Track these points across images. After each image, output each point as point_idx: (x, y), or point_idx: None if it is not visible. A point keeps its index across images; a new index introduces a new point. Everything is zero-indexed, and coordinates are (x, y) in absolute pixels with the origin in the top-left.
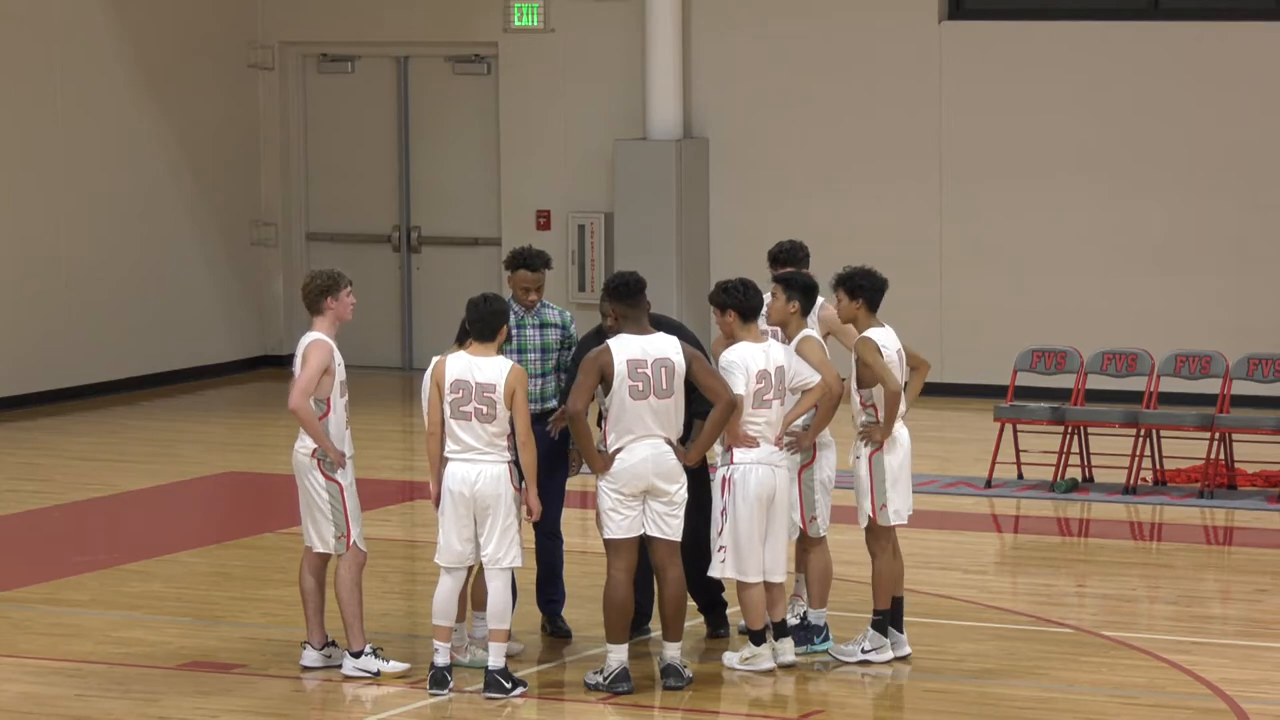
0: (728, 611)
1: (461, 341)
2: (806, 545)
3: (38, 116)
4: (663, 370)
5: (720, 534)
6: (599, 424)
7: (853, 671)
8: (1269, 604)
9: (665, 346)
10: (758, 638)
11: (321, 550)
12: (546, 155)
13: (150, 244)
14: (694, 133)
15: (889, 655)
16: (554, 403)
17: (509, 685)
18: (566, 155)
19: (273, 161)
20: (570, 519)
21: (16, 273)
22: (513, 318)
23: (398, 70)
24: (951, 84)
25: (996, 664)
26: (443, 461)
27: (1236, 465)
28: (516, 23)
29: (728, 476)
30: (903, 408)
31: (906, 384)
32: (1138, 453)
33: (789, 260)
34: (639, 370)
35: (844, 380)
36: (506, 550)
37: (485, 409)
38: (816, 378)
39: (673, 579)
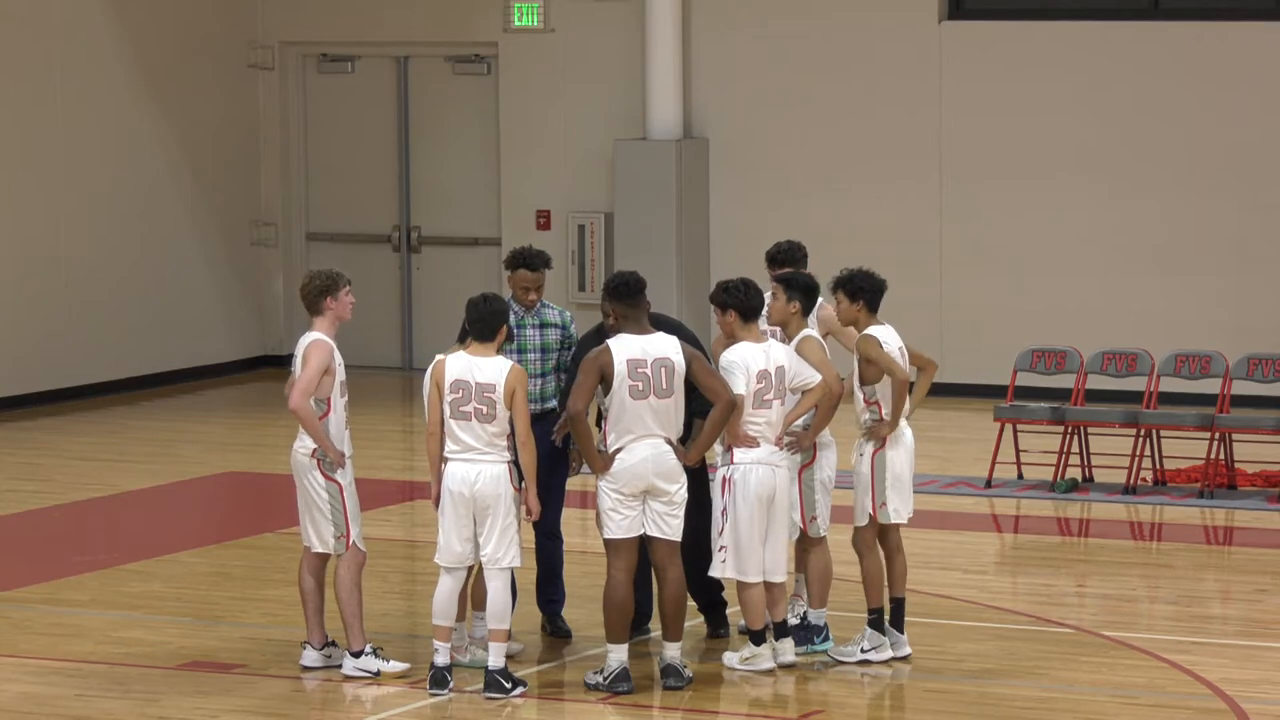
0: (728, 611)
1: (464, 341)
2: (807, 545)
3: (38, 116)
4: (663, 370)
5: (720, 534)
6: (599, 424)
7: (853, 671)
8: (1269, 604)
9: (665, 346)
10: (758, 638)
11: (321, 550)
12: (546, 155)
13: (150, 244)
14: (694, 133)
15: (888, 654)
16: (554, 403)
17: (509, 685)
18: (566, 155)
19: (273, 161)
20: (570, 519)
21: (16, 273)
22: (512, 318)
23: (398, 70)
24: (951, 84)
25: (996, 664)
26: (443, 461)
27: (1236, 465)
28: (516, 23)
29: (728, 476)
30: (907, 408)
31: (913, 385)
32: (1138, 453)
33: (787, 260)
34: (639, 370)
35: (843, 380)
36: (506, 550)
37: (485, 409)
38: (817, 378)
39: (673, 579)
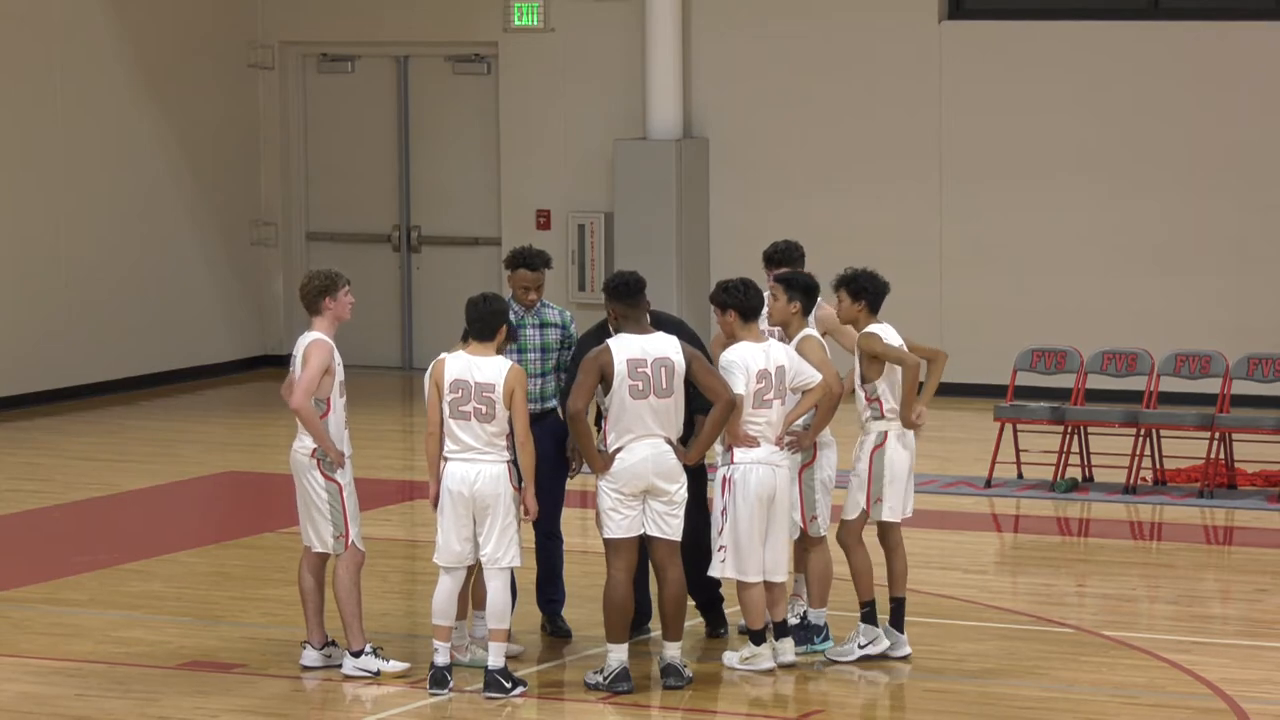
0: (727, 611)
1: (466, 340)
2: (807, 545)
3: (38, 116)
4: (663, 370)
5: (720, 534)
6: (598, 424)
7: (852, 671)
8: (1269, 604)
9: (665, 346)
10: (758, 637)
11: (320, 550)
12: (546, 155)
13: (150, 244)
14: (694, 133)
15: (884, 644)
16: (554, 402)
17: (509, 685)
18: (566, 155)
19: (273, 161)
20: (570, 519)
21: (16, 273)
22: (512, 317)
23: (398, 70)
24: (951, 84)
25: (996, 664)
26: (442, 461)
27: (1236, 465)
28: (516, 23)
29: (728, 476)
30: (922, 407)
31: (922, 384)
32: (1138, 452)
33: (784, 260)
34: (639, 370)
35: (843, 380)
36: (505, 550)
37: (484, 409)
38: (818, 377)
39: (673, 579)
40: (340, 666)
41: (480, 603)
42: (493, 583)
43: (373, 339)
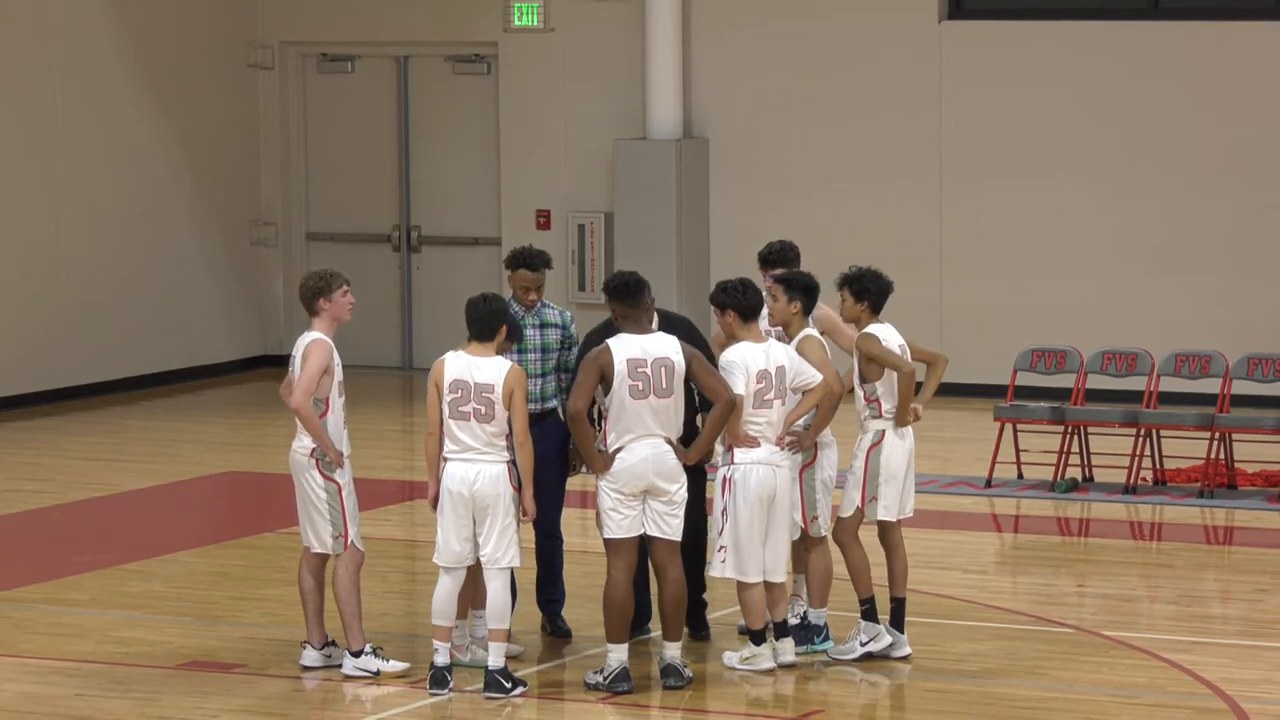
0: (726, 611)
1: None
2: (808, 545)
3: (38, 116)
4: (662, 370)
5: (720, 534)
6: (596, 423)
7: (852, 671)
8: (1269, 604)
9: (665, 346)
10: (758, 637)
11: (319, 550)
12: (546, 155)
13: (150, 244)
14: (694, 133)
15: (886, 640)
16: (554, 403)
17: (509, 685)
18: (566, 155)
19: (273, 161)
20: (570, 519)
21: (16, 273)
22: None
23: (398, 70)
24: (951, 84)
25: (996, 664)
26: (441, 461)
27: (1236, 465)
28: (516, 23)
29: (728, 476)
30: (920, 406)
31: (921, 383)
32: (1138, 452)
33: (779, 261)
34: (639, 370)
35: (842, 378)
36: (505, 550)
37: (483, 409)
38: (818, 377)
39: (673, 579)
40: (340, 666)
41: (480, 603)
42: (492, 583)
43: (373, 339)
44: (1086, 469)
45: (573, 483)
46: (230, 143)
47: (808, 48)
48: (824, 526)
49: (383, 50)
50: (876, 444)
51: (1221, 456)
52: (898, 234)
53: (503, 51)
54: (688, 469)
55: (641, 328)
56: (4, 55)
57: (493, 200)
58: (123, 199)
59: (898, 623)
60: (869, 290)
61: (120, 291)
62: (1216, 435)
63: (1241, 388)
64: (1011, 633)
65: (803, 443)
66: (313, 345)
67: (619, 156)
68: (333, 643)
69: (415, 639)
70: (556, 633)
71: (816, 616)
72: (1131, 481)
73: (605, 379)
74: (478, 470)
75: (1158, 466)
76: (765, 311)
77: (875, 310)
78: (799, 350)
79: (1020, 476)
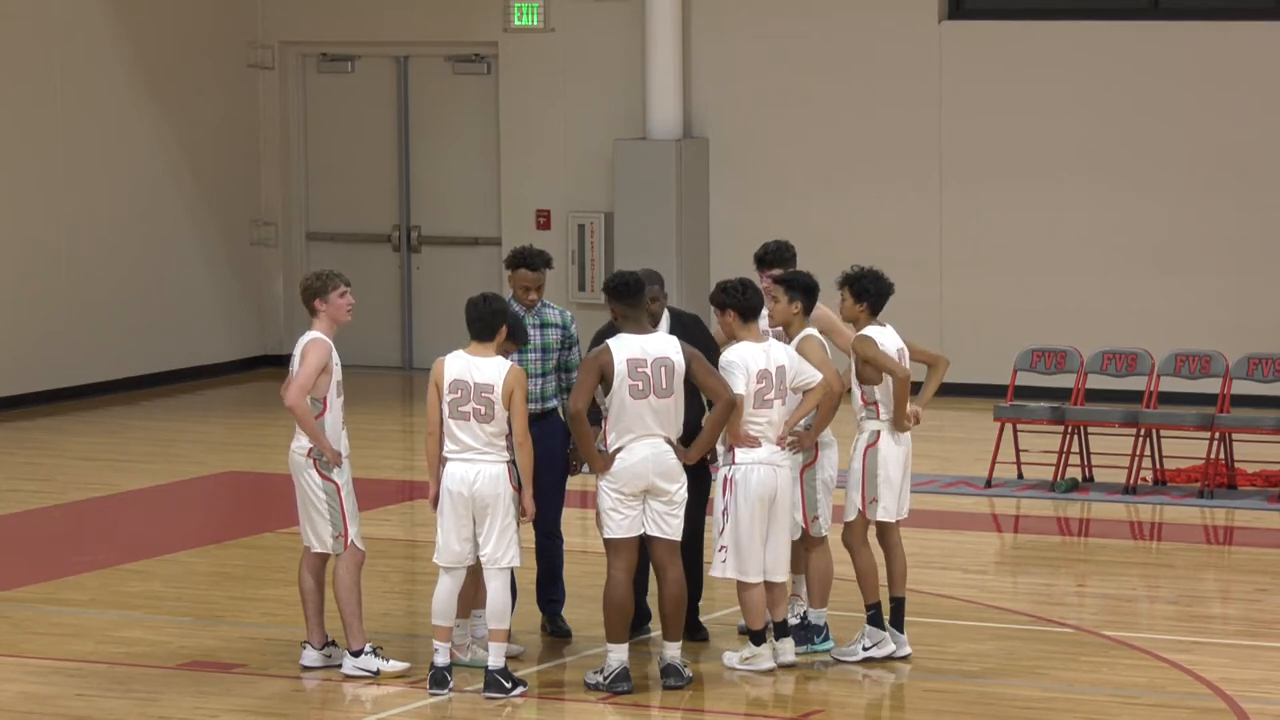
0: (726, 611)
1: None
2: (808, 546)
3: (38, 116)
4: (662, 369)
5: (721, 534)
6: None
7: (853, 671)
8: (1269, 604)
9: (665, 346)
10: (758, 638)
11: (319, 550)
12: (546, 155)
13: (150, 244)
14: (694, 133)
15: (889, 648)
16: (554, 402)
17: (509, 685)
18: (566, 155)
19: (273, 161)
20: (570, 519)
21: (17, 273)
22: None
23: (398, 70)
24: (951, 84)
25: (996, 664)
26: (441, 461)
27: (1236, 465)
28: (516, 23)
29: (729, 476)
30: (920, 407)
31: (920, 383)
32: (1138, 452)
33: (776, 261)
34: (639, 370)
35: (842, 378)
36: (505, 550)
37: (483, 409)
38: (818, 377)
39: (673, 579)
40: (340, 666)
41: (481, 602)
42: (492, 583)
43: (373, 339)
44: (1086, 469)
45: (573, 483)
46: (230, 143)
47: (808, 48)
48: (825, 526)
49: (383, 50)
50: (872, 444)
51: (1221, 456)
52: (898, 234)
53: (503, 51)
54: (693, 470)
55: (641, 327)
56: (4, 55)
57: (493, 200)
58: (123, 199)
59: (898, 622)
60: (869, 291)
61: (120, 291)
62: (1216, 435)
63: (1241, 388)
64: (1011, 633)
65: (803, 443)
66: (311, 344)
67: (619, 156)
68: (333, 643)
69: (415, 639)
70: (556, 633)
71: (816, 617)
72: (1131, 481)
73: (605, 379)
74: (477, 470)
75: (1158, 466)
76: (765, 312)
77: (874, 311)
78: (799, 350)
79: (1020, 476)
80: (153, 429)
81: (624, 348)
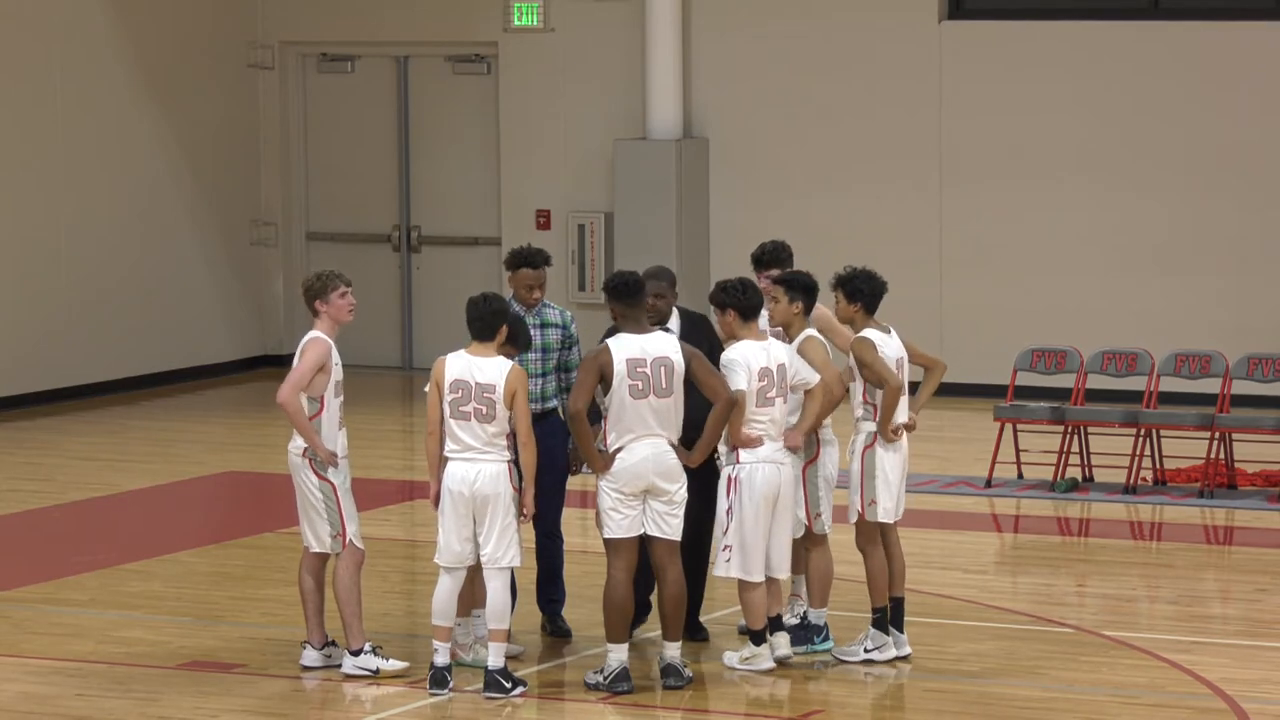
0: (726, 611)
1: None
2: (810, 544)
3: (38, 116)
4: (662, 369)
5: (725, 533)
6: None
7: (853, 671)
8: (1269, 604)
9: (664, 345)
10: (758, 638)
11: (318, 550)
12: (546, 155)
13: (150, 244)
14: (694, 133)
15: (892, 653)
16: (555, 402)
17: (509, 685)
18: (566, 155)
19: (273, 161)
20: (570, 519)
21: (16, 273)
22: None
23: (398, 70)
24: (951, 84)
25: (996, 664)
26: (442, 461)
27: (1236, 465)
28: (516, 23)
29: (733, 476)
30: (909, 414)
31: (918, 385)
32: (1138, 452)
33: (773, 261)
34: (638, 369)
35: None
36: (506, 550)
37: (485, 409)
38: (815, 377)
39: (672, 579)
40: (340, 666)
41: (481, 602)
42: (492, 583)
43: (373, 339)
44: (1086, 469)
45: (573, 483)
46: (230, 143)
47: (808, 48)
48: (826, 524)
49: (383, 50)
50: (870, 446)
51: (1221, 456)
52: (897, 234)
53: (503, 51)
54: (701, 470)
55: (641, 327)
56: (4, 55)
57: (493, 200)
58: (123, 199)
59: (897, 621)
60: (861, 291)
61: (120, 291)
62: (1216, 435)
63: (1241, 388)
64: (1011, 633)
65: (789, 442)
66: (310, 343)
67: (619, 156)
68: (333, 643)
69: (415, 639)
70: (556, 633)
71: (816, 616)
72: (1131, 481)
73: (605, 379)
74: (478, 470)
75: (1158, 466)
76: (765, 312)
77: (870, 310)
78: (801, 351)
79: (1020, 476)
80: (153, 429)
81: (623, 347)
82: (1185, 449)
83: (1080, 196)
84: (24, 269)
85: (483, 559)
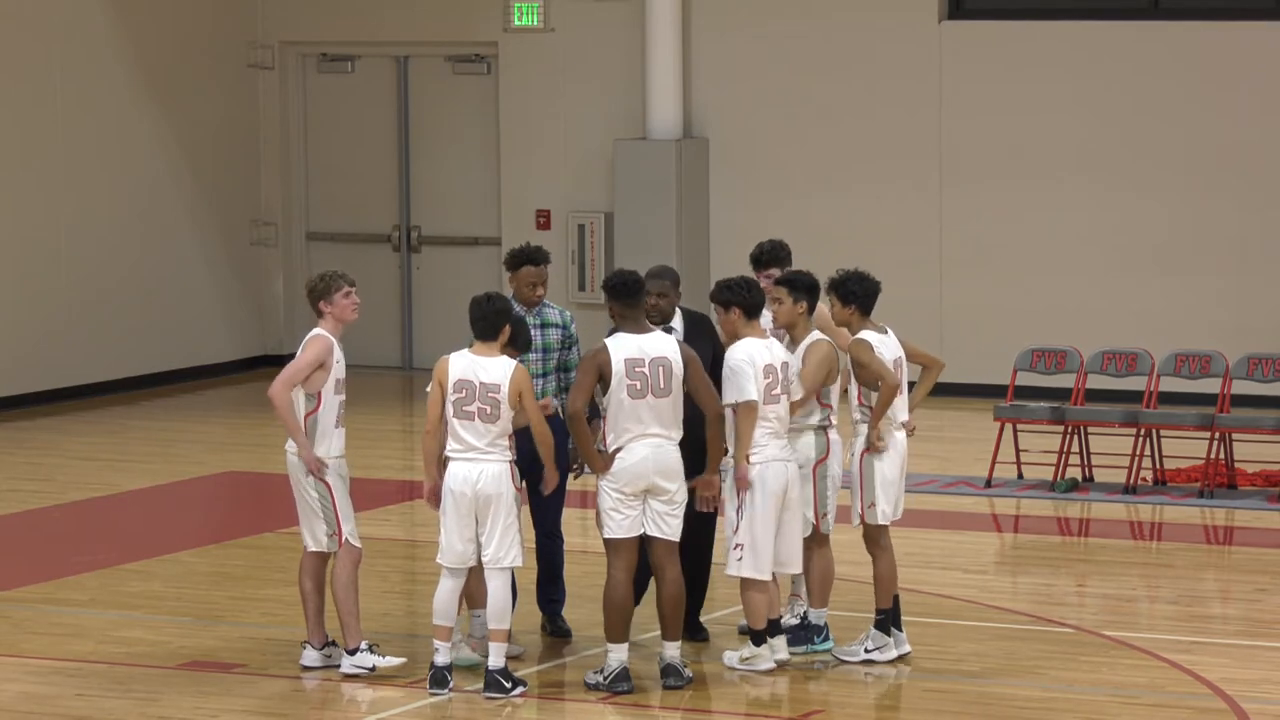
0: (726, 611)
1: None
2: (812, 543)
3: (38, 116)
4: (660, 369)
5: (737, 532)
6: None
7: (853, 671)
8: (1269, 604)
9: (663, 345)
10: (758, 638)
11: (316, 549)
12: (546, 155)
13: (150, 244)
14: (694, 133)
15: (892, 654)
16: (555, 402)
17: (509, 685)
18: (566, 155)
19: (273, 161)
20: (570, 519)
21: (16, 273)
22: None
23: (398, 70)
24: (951, 84)
25: (996, 664)
26: (442, 460)
27: (1236, 465)
28: (516, 23)
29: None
30: (904, 414)
31: (914, 384)
32: (1138, 452)
33: (772, 261)
34: (637, 369)
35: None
36: (507, 550)
37: (489, 409)
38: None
39: (671, 579)
40: (340, 666)
41: (481, 601)
42: (493, 582)
43: (373, 339)
44: (1086, 469)
45: (573, 483)
46: (230, 143)
47: (808, 48)
48: (831, 524)
49: (383, 50)
50: (868, 449)
51: (1221, 456)
52: (897, 234)
53: (503, 51)
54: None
55: (640, 327)
56: (4, 55)
57: (493, 200)
58: (123, 199)
59: (896, 620)
60: (854, 293)
61: (120, 291)
62: (1216, 435)
63: (1241, 388)
64: (1011, 633)
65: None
66: (311, 340)
67: (619, 156)
68: (333, 643)
69: (415, 639)
70: (556, 633)
71: (816, 616)
72: (1131, 481)
73: (603, 379)
74: (480, 470)
75: (1158, 466)
76: (768, 314)
77: (865, 312)
78: (805, 356)
79: (1020, 476)
80: (153, 429)
81: (622, 347)
82: (1185, 449)
83: (1080, 196)
84: (24, 269)
85: (484, 559)
